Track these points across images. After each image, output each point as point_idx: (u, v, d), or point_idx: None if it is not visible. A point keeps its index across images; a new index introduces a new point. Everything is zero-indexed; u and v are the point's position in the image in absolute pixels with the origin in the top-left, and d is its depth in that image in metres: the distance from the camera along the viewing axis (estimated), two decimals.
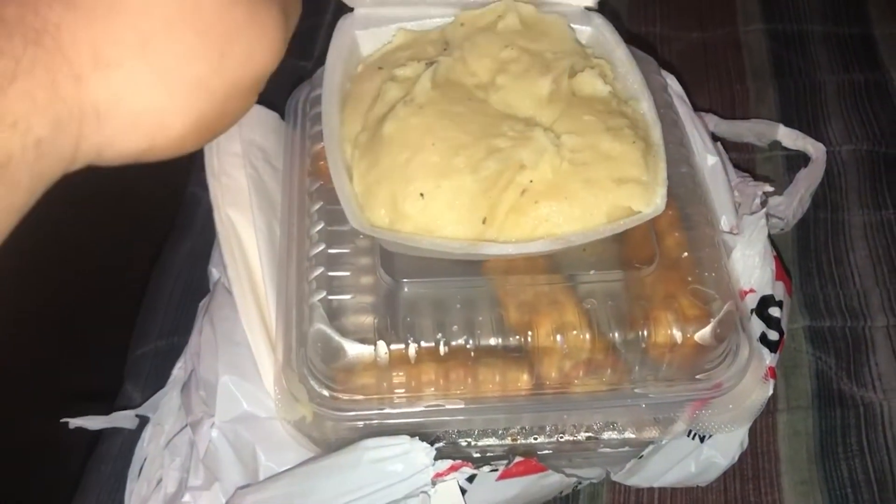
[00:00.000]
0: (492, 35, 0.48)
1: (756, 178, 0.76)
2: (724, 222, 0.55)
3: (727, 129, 0.71)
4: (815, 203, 0.70)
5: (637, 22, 0.88)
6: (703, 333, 0.45)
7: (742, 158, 0.75)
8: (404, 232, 0.42)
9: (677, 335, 0.44)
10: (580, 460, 0.54)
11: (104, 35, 0.26)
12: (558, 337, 0.44)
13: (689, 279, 0.46)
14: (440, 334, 0.43)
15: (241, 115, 0.32)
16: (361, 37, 0.50)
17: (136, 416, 0.56)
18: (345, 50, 0.49)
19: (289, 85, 0.79)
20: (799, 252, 0.68)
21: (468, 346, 0.43)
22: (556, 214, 0.42)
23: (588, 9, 0.52)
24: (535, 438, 0.49)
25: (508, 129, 0.44)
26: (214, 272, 0.56)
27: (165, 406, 0.55)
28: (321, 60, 0.66)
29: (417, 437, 0.42)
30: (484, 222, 0.42)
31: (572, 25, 0.51)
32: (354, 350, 0.43)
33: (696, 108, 0.65)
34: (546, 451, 0.51)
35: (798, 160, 0.74)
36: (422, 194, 0.42)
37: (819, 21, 0.86)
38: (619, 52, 0.50)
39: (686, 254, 0.47)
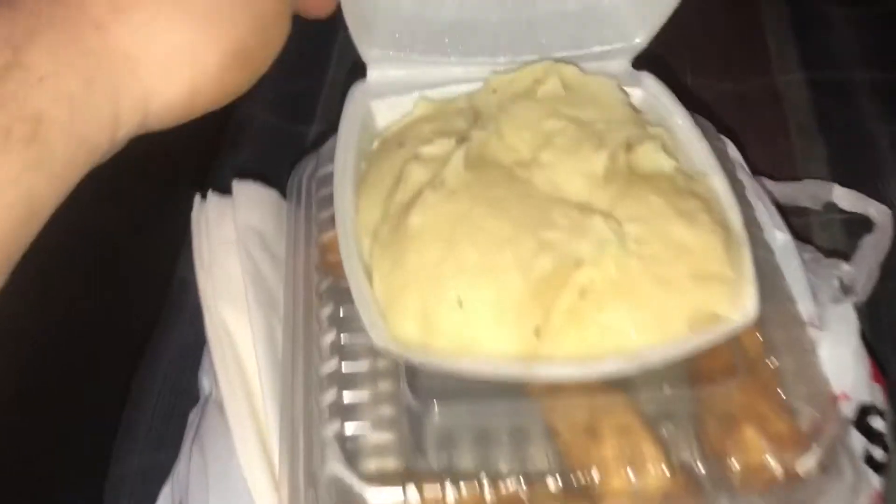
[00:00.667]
0: (531, 103, 0.40)
1: (816, 248, 0.68)
2: (802, 312, 0.46)
3: (779, 192, 0.64)
4: (884, 274, 0.62)
5: (663, 72, 0.81)
6: (807, 463, 0.36)
7: (797, 224, 0.67)
8: (438, 349, 0.34)
9: (775, 467, 0.36)
10: None
11: None
12: (630, 472, 0.35)
13: (781, 392, 0.38)
14: (483, 473, 0.35)
15: (281, 41, 0.30)
16: (377, 107, 0.43)
17: None
18: (358, 123, 0.42)
19: (288, 155, 0.72)
20: (871, 331, 0.60)
21: (520, 489, 0.34)
22: (625, 322, 0.34)
23: (636, 67, 0.45)
24: None
25: (560, 216, 0.36)
26: (206, 383, 0.48)
27: None
28: (323, 126, 0.58)
29: None
30: (537, 334, 0.34)
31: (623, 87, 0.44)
32: (378, 497, 0.34)
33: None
34: None
35: (858, 224, 0.66)
36: (459, 302, 0.34)
37: (863, 67, 0.79)
38: (679, 118, 0.43)
39: (773, 360, 0.39)
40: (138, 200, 0.58)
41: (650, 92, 0.44)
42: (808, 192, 0.66)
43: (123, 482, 0.56)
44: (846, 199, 0.66)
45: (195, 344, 0.52)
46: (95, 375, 0.58)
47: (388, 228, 0.37)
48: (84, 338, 0.59)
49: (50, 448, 0.56)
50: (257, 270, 0.49)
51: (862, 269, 0.59)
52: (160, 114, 0.27)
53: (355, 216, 0.38)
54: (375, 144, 0.42)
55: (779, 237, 0.49)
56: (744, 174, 0.51)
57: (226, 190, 0.65)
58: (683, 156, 0.42)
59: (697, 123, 0.47)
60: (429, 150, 0.38)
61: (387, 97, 0.43)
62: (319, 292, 0.41)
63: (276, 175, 0.67)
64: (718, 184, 0.40)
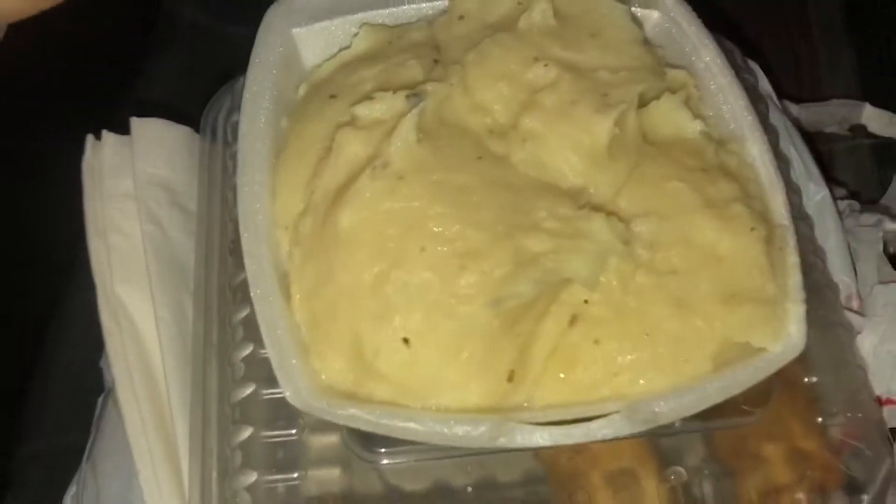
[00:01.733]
0: (511, 39, 0.29)
1: (836, 175, 0.59)
2: (840, 288, 0.38)
3: (804, 117, 0.54)
4: None
5: None
6: None
7: (817, 149, 0.58)
8: (377, 399, 0.25)
9: None
10: None
11: None
12: None
13: (821, 421, 0.30)
14: None
15: None
16: (302, 38, 0.32)
17: None
18: (276, 61, 0.31)
19: (220, 67, 0.60)
20: None
21: None
22: (630, 363, 0.26)
23: None
24: None
25: (547, 214, 0.26)
26: (108, 377, 0.39)
27: None
28: None
29: None
30: (510, 378, 0.25)
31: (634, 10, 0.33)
32: None
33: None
34: None
35: (887, 149, 0.57)
36: (405, 339, 0.25)
37: None
38: (706, 52, 0.32)
39: (813, 378, 0.31)
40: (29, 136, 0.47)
41: (669, 16, 0.33)
42: (835, 115, 0.56)
43: (32, 464, 0.49)
44: (877, 120, 0.57)
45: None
46: None
47: (312, 224, 0.27)
48: None
49: None
50: (163, 236, 0.39)
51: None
52: None
53: (270, 204, 0.28)
54: (301, 91, 0.32)
55: (816, 193, 0.40)
56: (775, 112, 0.41)
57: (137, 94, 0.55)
58: (710, 106, 0.32)
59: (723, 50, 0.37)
60: (369, 109, 0.28)
61: (315, 23, 0.32)
62: (233, 286, 0.32)
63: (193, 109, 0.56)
64: (756, 152, 0.30)
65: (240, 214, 0.28)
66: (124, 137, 0.41)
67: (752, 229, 0.27)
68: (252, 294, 0.26)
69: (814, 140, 0.58)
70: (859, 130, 0.58)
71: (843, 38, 0.65)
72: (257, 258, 0.27)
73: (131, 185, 0.40)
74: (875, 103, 0.57)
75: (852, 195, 0.50)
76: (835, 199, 0.41)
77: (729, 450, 0.30)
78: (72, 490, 0.41)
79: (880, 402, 0.37)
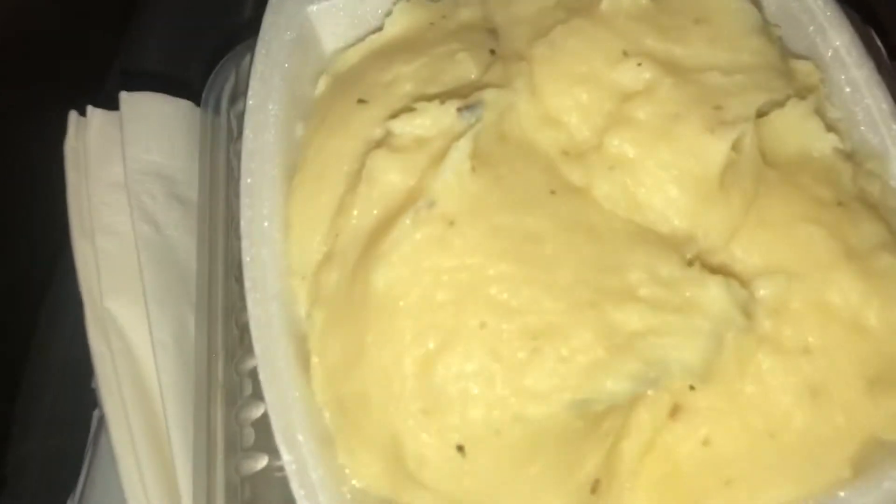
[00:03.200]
0: (593, 27, 0.23)
1: None
2: None
3: None
4: None
5: None
6: None
7: None
8: None
9: None
10: None
11: None
12: None
13: None
14: None
15: None
16: (320, 15, 0.25)
17: None
18: (288, 48, 0.25)
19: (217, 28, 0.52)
20: None
21: None
22: (748, 469, 0.20)
23: None
24: None
25: (644, 273, 0.20)
26: (99, 398, 0.34)
27: None
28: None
29: None
30: (594, 491, 0.20)
31: None
32: None
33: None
34: None
35: None
36: (460, 446, 0.19)
37: None
38: (837, 35, 0.25)
39: None
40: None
41: None
42: None
43: (28, 462, 0.47)
44: None
45: None
46: None
47: (337, 278, 0.21)
48: None
49: None
50: (160, 236, 0.34)
51: None
52: None
53: (284, 245, 0.22)
54: (322, 85, 0.25)
55: None
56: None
57: (132, 60, 0.48)
58: (839, 107, 0.25)
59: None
60: (409, 125, 0.21)
61: None
62: (240, 325, 0.26)
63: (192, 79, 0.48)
64: None
65: (244, 264, 0.22)
66: (113, 114, 0.36)
67: None
68: (261, 376, 0.21)
69: None
70: None
71: None
72: (265, 326, 0.21)
73: (121, 172, 0.34)
74: None
75: None
76: None
77: None
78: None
79: None
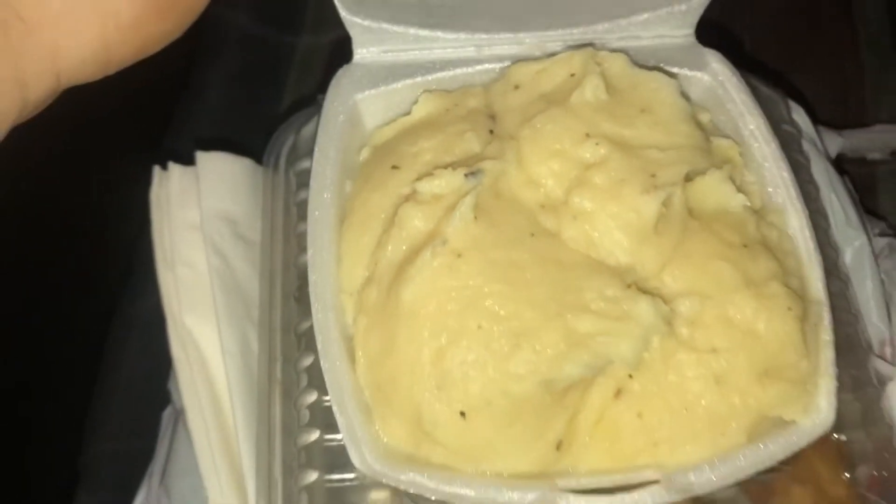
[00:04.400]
0: (564, 115, 0.31)
1: (878, 198, 0.60)
2: (873, 335, 0.39)
3: (850, 146, 0.55)
4: None
5: None
6: None
7: (860, 173, 0.58)
8: (435, 463, 0.28)
9: None
10: None
11: None
12: None
13: (848, 476, 0.32)
14: None
15: None
16: (365, 103, 0.34)
17: None
18: (342, 127, 0.33)
19: (271, 77, 0.62)
20: None
21: None
22: (670, 435, 0.28)
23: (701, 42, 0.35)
24: None
25: (595, 295, 0.28)
26: (177, 399, 0.42)
27: None
28: (312, 37, 0.49)
29: None
30: (559, 448, 0.28)
31: (679, 72, 0.34)
32: None
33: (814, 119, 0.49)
34: None
35: None
36: (462, 412, 0.27)
37: None
38: (751, 121, 0.33)
39: (842, 436, 0.32)
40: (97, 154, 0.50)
41: (717, 80, 0.34)
42: (878, 142, 0.57)
43: (100, 462, 0.52)
44: None
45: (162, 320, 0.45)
46: (61, 349, 0.52)
47: (376, 295, 0.29)
48: (47, 305, 0.53)
49: (20, 428, 0.52)
50: (228, 268, 0.41)
51: None
52: (74, 72, 0.25)
53: (336, 271, 0.30)
54: (364, 154, 0.34)
55: (854, 240, 0.41)
56: (816, 156, 0.42)
57: (197, 131, 0.56)
58: (755, 174, 0.33)
59: (766, 100, 0.38)
60: (429, 186, 0.30)
61: (377, 87, 0.34)
62: (299, 333, 0.34)
63: (254, 105, 0.58)
64: (796, 225, 0.31)
65: (310, 284, 0.30)
66: (189, 169, 0.44)
67: (789, 309, 0.29)
68: (322, 362, 0.29)
69: (855, 162, 0.59)
70: None
71: (891, 54, 0.65)
72: (325, 328, 0.29)
73: (197, 215, 0.42)
74: None
75: (893, 227, 0.51)
76: (871, 243, 0.42)
77: (760, 491, 0.32)
78: (139, 498, 0.44)
79: None
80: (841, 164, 0.54)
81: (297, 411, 0.33)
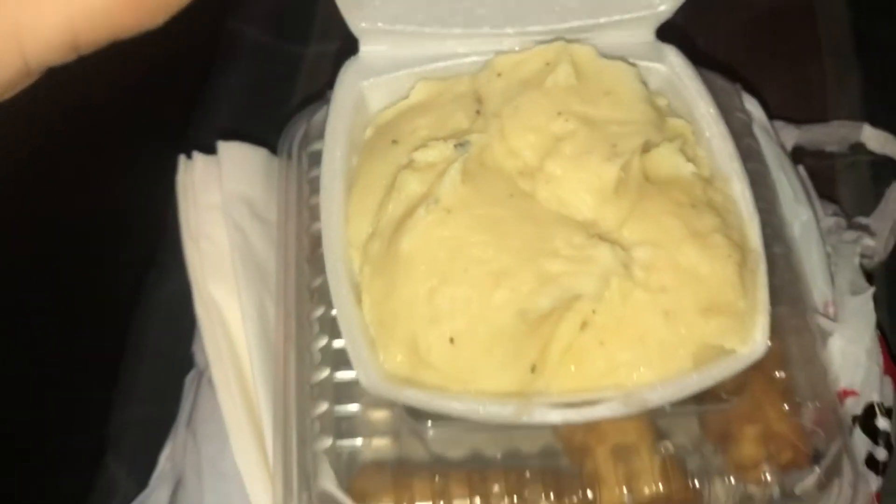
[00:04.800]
0: (539, 96, 0.36)
1: (837, 191, 0.65)
2: (818, 297, 0.44)
3: (807, 138, 0.60)
4: None
5: None
6: (806, 486, 0.36)
7: (820, 167, 0.63)
8: (429, 385, 0.33)
9: (774, 487, 0.36)
10: None
11: None
12: (625, 490, 0.35)
13: (786, 407, 0.37)
14: (478, 497, 0.34)
15: None
16: (369, 89, 0.39)
17: None
18: (349, 109, 0.39)
19: (281, 82, 0.68)
20: (890, 289, 0.58)
21: None
22: (626, 358, 0.33)
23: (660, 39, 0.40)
24: None
25: (563, 243, 0.33)
26: (200, 357, 0.47)
27: None
28: (320, 45, 0.55)
29: None
30: (532, 370, 0.33)
31: (641, 63, 0.40)
32: None
33: (770, 113, 0.54)
34: None
35: (887, 167, 0.63)
36: (451, 339, 0.32)
37: None
38: (702, 104, 0.39)
39: (782, 373, 0.37)
40: (122, 138, 0.55)
41: (674, 70, 0.40)
42: (835, 135, 0.62)
43: (127, 429, 0.56)
44: (875, 140, 0.62)
45: (188, 299, 0.50)
46: (90, 323, 0.57)
47: (379, 247, 0.34)
48: (78, 284, 0.57)
49: (51, 396, 0.56)
50: (246, 243, 0.47)
51: (886, 222, 0.57)
52: (41, 54, 0.23)
53: (344, 228, 0.35)
54: (368, 132, 0.39)
55: (802, 214, 0.46)
56: (767, 140, 0.48)
57: (216, 128, 0.62)
58: (705, 150, 0.38)
59: (720, 91, 0.43)
60: (424, 156, 0.35)
61: (380, 76, 0.39)
62: (311, 288, 0.39)
63: (267, 107, 0.64)
64: (738, 190, 0.37)
65: (323, 239, 0.35)
66: (211, 157, 0.49)
67: (729, 256, 0.34)
68: (333, 301, 0.34)
69: (814, 155, 0.64)
70: (859, 148, 0.64)
71: (852, 61, 0.70)
72: (336, 276, 0.34)
73: (219, 197, 0.47)
74: (878, 122, 0.63)
75: (845, 211, 0.57)
76: (818, 219, 0.47)
77: (713, 429, 0.37)
78: (166, 451, 0.49)
79: (845, 393, 0.43)
80: (801, 157, 0.59)
81: (311, 354, 0.38)
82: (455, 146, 0.35)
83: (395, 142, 0.37)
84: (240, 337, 0.45)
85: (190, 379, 0.50)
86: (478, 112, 0.38)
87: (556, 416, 0.32)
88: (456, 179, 0.34)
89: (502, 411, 0.32)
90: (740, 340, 0.33)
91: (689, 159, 0.37)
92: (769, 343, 0.34)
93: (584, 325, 0.33)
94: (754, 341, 0.34)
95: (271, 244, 0.46)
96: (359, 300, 0.35)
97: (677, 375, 0.33)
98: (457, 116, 0.37)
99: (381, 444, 0.36)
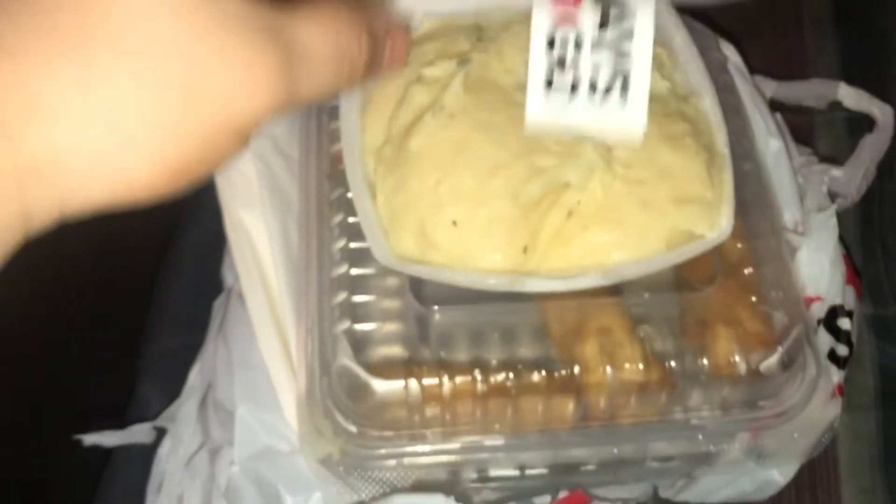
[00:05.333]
0: (528, 27, 0.41)
1: (815, 145, 0.70)
2: (788, 218, 0.49)
3: (785, 93, 0.64)
4: (881, 173, 0.64)
5: None
6: (770, 363, 0.40)
7: (799, 122, 0.68)
8: (435, 264, 0.37)
9: (741, 365, 0.40)
10: (626, 475, 0.50)
11: (41, 73, 0.22)
12: (608, 368, 0.39)
13: (754, 299, 0.42)
14: (477, 369, 0.39)
15: (227, 159, 0.27)
16: None
17: (153, 427, 0.52)
18: None
19: None
20: (862, 229, 0.62)
21: (508, 382, 0.39)
22: (607, 242, 0.37)
23: None
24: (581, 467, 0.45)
25: (553, 142, 0.38)
26: (228, 278, 0.52)
27: (183, 417, 0.52)
28: None
29: (453, 497, 0.38)
30: (525, 251, 0.37)
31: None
32: (383, 387, 0.39)
33: (751, 69, 0.58)
34: (590, 467, 0.48)
35: (862, 123, 0.67)
36: (454, 222, 0.37)
37: None
38: (679, 37, 0.44)
39: (750, 269, 0.42)
40: None
41: (656, 9, 0.45)
42: (813, 92, 0.66)
43: (157, 359, 0.60)
44: (851, 97, 0.66)
45: (215, 239, 0.55)
46: (123, 260, 0.61)
47: (391, 150, 0.39)
48: (109, 228, 0.62)
49: (84, 328, 0.60)
50: (272, 173, 0.52)
51: (859, 169, 0.61)
52: (76, 212, 0.24)
53: (361, 137, 0.40)
54: None
55: (773, 145, 0.51)
56: (742, 81, 0.52)
57: None
58: (680, 73, 0.43)
59: (699, 33, 0.48)
60: (431, 72, 0.40)
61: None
62: (330, 200, 0.44)
63: None
64: (709, 105, 0.42)
65: (343, 146, 0.40)
66: None
67: (697, 154, 0.39)
68: (352, 195, 0.39)
69: (793, 111, 0.69)
70: (836, 106, 0.69)
71: (831, 30, 0.75)
72: (355, 176, 0.39)
73: None
74: (852, 82, 0.67)
75: (817, 154, 0.61)
76: (790, 152, 0.52)
77: (685, 317, 0.42)
78: (195, 368, 0.54)
79: (810, 300, 0.48)
80: (779, 109, 0.63)
81: (330, 254, 0.43)
82: (458, 63, 0.40)
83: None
84: (266, 254, 0.49)
85: (218, 304, 0.55)
86: (478, 39, 0.43)
87: (544, 285, 0.36)
88: (459, 89, 0.39)
89: (498, 282, 0.36)
90: (708, 226, 0.38)
91: (666, 80, 0.42)
92: (732, 226, 0.38)
93: (569, 213, 0.38)
94: (720, 226, 0.38)
95: (293, 176, 0.51)
96: (374, 196, 0.40)
97: (652, 255, 0.37)
98: (460, 42, 0.42)
99: (392, 328, 0.41)
